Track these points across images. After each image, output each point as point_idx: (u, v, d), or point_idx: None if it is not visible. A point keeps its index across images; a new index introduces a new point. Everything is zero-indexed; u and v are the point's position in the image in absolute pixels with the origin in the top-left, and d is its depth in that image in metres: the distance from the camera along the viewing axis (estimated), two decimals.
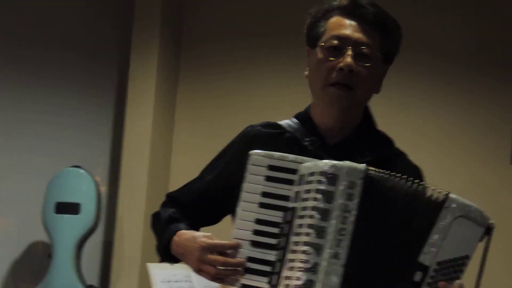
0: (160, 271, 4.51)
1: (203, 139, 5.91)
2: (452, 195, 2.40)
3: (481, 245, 2.36)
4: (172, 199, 2.91)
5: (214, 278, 2.51)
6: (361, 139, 2.80)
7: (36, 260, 5.90)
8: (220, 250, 2.50)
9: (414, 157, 2.89)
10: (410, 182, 2.45)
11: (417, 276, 2.41)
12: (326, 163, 2.42)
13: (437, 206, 2.41)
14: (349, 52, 2.65)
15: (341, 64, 2.65)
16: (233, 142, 2.88)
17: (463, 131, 5.72)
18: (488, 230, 2.43)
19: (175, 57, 6.15)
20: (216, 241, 2.52)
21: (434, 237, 2.41)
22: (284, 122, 2.83)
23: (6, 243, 5.92)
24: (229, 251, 2.51)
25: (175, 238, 2.67)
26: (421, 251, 2.41)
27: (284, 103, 5.35)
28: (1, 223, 5.95)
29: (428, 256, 2.40)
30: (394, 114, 5.44)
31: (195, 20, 6.15)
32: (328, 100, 2.71)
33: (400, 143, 2.92)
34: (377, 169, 2.47)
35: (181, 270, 4.37)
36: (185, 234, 2.65)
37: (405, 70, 5.52)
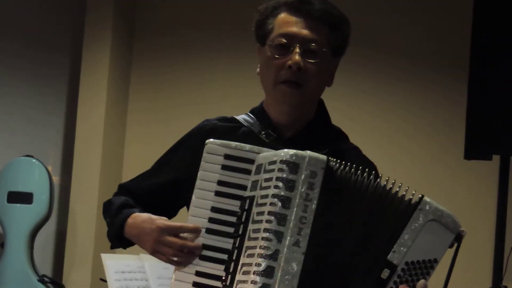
0: (113, 262, 4.44)
1: (156, 131, 5.92)
2: (426, 198, 2.40)
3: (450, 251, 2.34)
4: (124, 189, 2.91)
5: (171, 260, 2.51)
6: (315, 132, 2.80)
7: None
8: (179, 232, 2.50)
9: (367, 152, 2.88)
10: (374, 178, 2.45)
11: (385, 274, 2.39)
12: (287, 152, 2.42)
13: (411, 207, 2.40)
14: (297, 50, 2.66)
15: (290, 62, 2.66)
16: (189, 135, 2.87)
17: (417, 127, 5.77)
18: (458, 237, 2.41)
19: (127, 48, 6.15)
20: (175, 223, 2.52)
21: (405, 237, 2.40)
22: (241, 117, 2.84)
23: None
24: (187, 235, 2.51)
25: (130, 220, 2.66)
26: (391, 250, 2.40)
27: (238, 96, 5.35)
28: None
29: (397, 255, 2.39)
30: (348, 110, 5.43)
31: (148, 12, 6.15)
32: (280, 98, 2.72)
33: (353, 139, 2.91)
34: (338, 160, 2.47)
35: (134, 261, 4.36)
36: (141, 216, 2.64)
37: (359, 67, 5.56)
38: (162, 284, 4.32)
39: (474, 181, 5.45)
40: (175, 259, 2.52)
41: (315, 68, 2.68)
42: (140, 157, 5.88)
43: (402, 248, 2.38)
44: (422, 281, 2.37)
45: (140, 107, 6.10)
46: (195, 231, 2.50)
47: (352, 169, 2.46)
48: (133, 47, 6.16)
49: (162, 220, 2.54)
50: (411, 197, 2.40)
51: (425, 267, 2.42)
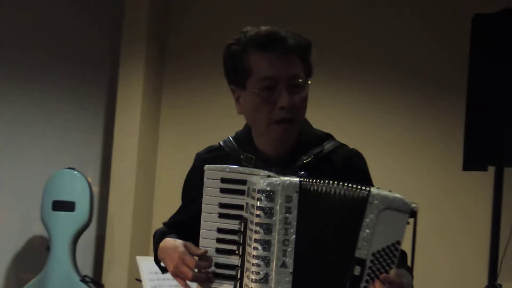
0: (147, 263, 4.54)
1: (186, 143, 5.89)
2: (373, 191, 2.45)
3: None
4: (165, 226, 2.95)
5: (186, 284, 2.58)
6: (297, 153, 2.78)
7: (35, 252, 5.94)
8: (192, 254, 2.56)
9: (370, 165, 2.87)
10: (340, 185, 2.47)
11: (357, 270, 2.46)
12: (263, 182, 2.46)
13: (362, 203, 2.45)
14: (283, 89, 2.64)
15: (281, 104, 2.63)
16: (189, 174, 2.90)
17: (416, 138, 5.64)
18: (413, 214, 2.45)
19: (159, 69, 6.14)
20: (190, 248, 2.57)
21: (365, 231, 2.45)
22: (225, 141, 2.83)
23: (8, 237, 5.93)
24: (198, 258, 2.56)
25: (161, 244, 2.73)
26: (356, 247, 2.45)
27: None
28: (3, 219, 5.95)
29: (363, 250, 2.44)
30: (350, 125, 5.44)
31: (179, 36, 6.14)
32: (277, 136, 2.71)
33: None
34: (310, 179, 2.48)
35: None
36: (168, 242, 2.70)
37: (360, 82, 5.56)
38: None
39: (470, 189, 5.27)
40: (194, 280, 2.57)
41: (301, 100, 2.67)
42: (171, 168, 5.98)
43: (364, 243, 2.44)
44: (392, 271, 2.43)
45: (171, 122, 6.13)
46: (204, 254, 2.54)
47: (322, 182, 2.47)
48: (164, 65, 6.15)
49: (181, 248, 2.60)
50: (360, 194, 2.44)
51: (390, 251, 2.47)
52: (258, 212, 2.46)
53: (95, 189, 6.02)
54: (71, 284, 5.60)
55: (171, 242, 2.69)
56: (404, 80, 5.64)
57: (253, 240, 2.48)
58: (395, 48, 5.57)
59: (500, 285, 4.59)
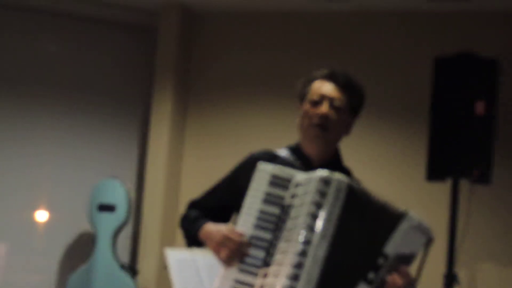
0: (173, 253, 4.37)
1: (204, 159, 5.89)
2: (411, 213, 2.51)
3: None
4: (195, 204, 2.94)
5: (224, 258, 2.54)
6: (334, 167, 2.72)
7: (83, 245, 5.97)
8: (232, 234, 2.53)
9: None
10: (377, 197, 2.53)
11: (380, 261, 2.49)
12: (322, 171, 2.48)
13: (400, 216, 2.51)
14: (326, 104, 2.75)
15: (320, 112, 2.75)
16: (240, 163, 2.89)
17: (390, 155, 5.60)
18: (430, 240, 2.52)
19: (185, 102, 6.05)
20: (231, 230, 2.56)
21: (395, 237, 2.50)
22: (279, 151, 2.87)
23: (62, 233, 6.00)
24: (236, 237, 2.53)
25: (205, 227, 2.72)
26: (385, 244, 2.49)
27: (272, 137, 5.04)
28: (59, 218, 6.04)
29: (390, 248, 2.49)
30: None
31: (202, 73, 6.05)
32: (312, 137, 2.78)
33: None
34: (355, 182, 2.54)
35: (189, 254, 4.46)
36: (211, 226, 2.71)
37: None
38: (209, 275, 4.48)
39: (432, 196, 5.23)
40: (228, 258, 2.54)
41: (337, 118, 2.76)
42: (193, 177, 5.95)
43: (393, 244, 2.49)
44: (405, 267, 2.48)
45: (194, 145, 6.05)
46: (241, 235, 2.52)
47: (365, 189, 2.54)
48: (189, 101, 6.06)
49: (225, 231, 2.58)
50: (401, 210, 2.51)
51: (407, 259, 2.51)
52: (314, 193, 2.47)
53: (132, 195, 5.99)
54: (112, 271, 5.63)
55: (213, 226, 2.70)
56: (380, 110, 5.53)
57: (302, 214, 2.47)
58: (371, 85, 5.44)
59: (456, 273, 4.66)
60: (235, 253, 2.55)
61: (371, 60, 5.59)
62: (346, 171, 2.88)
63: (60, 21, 5.95)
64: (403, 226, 2.55)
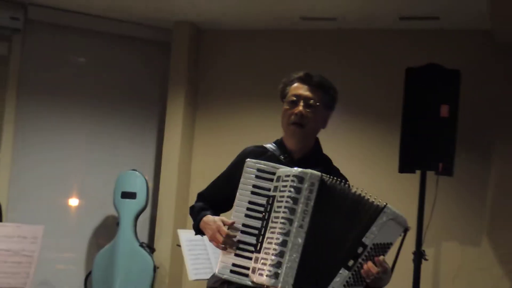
0: (185, 234, 4.52)
1: (211, 153, 5.83)
2: (389, 205, 2.46)
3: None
4: (202, 196, 2.92)
5: (220, 246, 2.54)
6: (313, 157, 2.78)
7: (109, 227, 5.95)
8: (224, 224, 2.53)
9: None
10: (353, 188, 2.48)
11: (359, 250, 2.44)
12: (297, 170, 2.46)
13: (378, 210, 2.45)
14: (301, 104, 2.70)
15: (296, 111, 2.70)
16: (236, 159, 2.86)
17: (367, 151, 5.50)
18: (406, 230, 2.48)
19: (194, 102, 6.00)
20: (223, 220, 2.56)
21: (373, 228, 2.44)
22: (268, 145, 2.83)
23: (90, 217, 5.99)
24: (228, 227, 2.53)
25: (204, 219, 2.71)
26: (364, 235, 2.44)
27: (266, 133, 5.19)
28: (88, 204, 6.00)
29: (368, 239, 2.44)
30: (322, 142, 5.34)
31: (208, 80, 6.00)
32: (291, 134, 2.74)
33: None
34: (328, 175, 2.48)
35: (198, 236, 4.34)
36: (209, 217, 2.68)
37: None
38: (215, 252, 4.34)
39: (404, 186, 5.15)
40: (223, 245, 2.52)
41: (312, 115, 2.71)
42: (201, 170, 5.91)
43: (371, 235, 2.44)
44: (381, 257, 2.43)
45: (202, 142, 5.98)
46: (233, 223, 2.51)
47: (337, 181, 2.48)
48: (197, 99, 6.02)
49: (219, 222, 2.56)
50: (379, 204, 2.45)
51: (384, 248, 2.47)
52: (290, 189, 2.44)
53: (150, 184, 5.99)
54: (133, 248, 5.61)
55: (210, 218, 2.68)
56: (361, 113, 5.55)
57: (282, 207, 2.45)
58: (354, 91, 5.48)
59: (423, 250, 4.63)
60: (226, 241, 2.53)
61: (353, 70, 5.56)
62: (325, 160, 2.84)
63: (89, 37, 5.95)
64: (381, 218, 2.49)
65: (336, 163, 2.88)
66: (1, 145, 5.60)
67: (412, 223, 4.68)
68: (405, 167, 4.65)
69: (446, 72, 4.58)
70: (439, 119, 4.53)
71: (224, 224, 2.56)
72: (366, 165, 5.43)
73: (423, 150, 4.59)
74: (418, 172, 4.68)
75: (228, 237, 2.52)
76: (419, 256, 4.57)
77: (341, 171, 2.85)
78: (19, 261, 2.41)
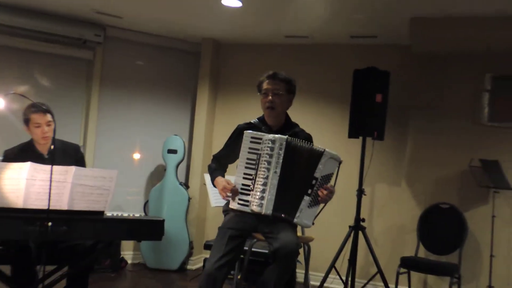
0: (208, 177, 4.08)
1: (227, 126, 5.60)
2: (327, 150, 2.49)
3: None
4: (215, 158, 2.86)
5: (227, 198, 2.54)
6: (285, 127, 2.74)
7: (159, 172, 5.82)
8: (227, 185, 2.51)
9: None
10: (308, 144, 2.49)
11: (313, 181, 2.48)
12: (272, 135, 2.47)
13: (321, 154, 2.51)
14: (270, 94, 2.66)
15: (268, 99, 2.67)
16: (235, 130, 2.81)
17: (326, 122, 5.34)
18: (339, 163, 2.50)
19: (215, 94, 5.86)
20: (230, 183, 2.53)
21: (320, 166, 2.51)
22: (254, 121, 2.76)
23: (147, 165, 5.82)
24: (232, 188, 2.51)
25: (216, 179, 2.68)
26: (315, 171, 2.49)
27: (261, 112, 5.26)
28: (146, 157, 5.82)
29: (318, 173, 2.50)
30: (302, 119, 5.14)
31: (225, 78, 5.83)
32: (267, 114, 2.73)
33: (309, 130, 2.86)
34: (292, 138, 2.49)
35: None
36: (218, 180, 2.65)
37: (301, 100, 5.26)
38: None
39: (352, 148, 5.03)
40: (228, 197, 2.52)
41: (279, 101, 2.68)
42: (220, 136, 5.79)
43: (319, 170, 2.47)
44: (329, 184, 2.50)
45: (220, 117, 5.89)
46: (234, 187, 2.47)
47: (299, 140, 2.48)
48: (218, 92, 5.89)
49: (225, 183, 2.53)
50: (320, 149, 2.47)
51: (328, 177, 2.48)
52: (267, 149, 2.44)
53: (186, 144, 5.90)
54: (175, 186, 5.52)
55: (219, 180, 2.64)
56: (325, 99, 5.37)
57: (263, 162, 2.43)
58: (321, 84, 5.39)
59: (363, 189, 4.49)
60: (230, 196, 2.52)
61: (320, 70, 5.43)
62: (293, 126, 2.75)
63: (146, 48, 5.85)
64: (324, 158, 2.51)
65: (304, 129, 2.83)
66: (89, 122, 5.50)
67: (356, 171, 4.71)
68: (352, 134, 4.52)
69: (380, 72, 4.44)
70: (375, 103, 4.41)
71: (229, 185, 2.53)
72: (326, 132, 5.31)
73: (364, 123, 4.45)
74: (360, 138, 4.55)
75: (231, 192, 2.50)
76: (360, 192, 4.48)
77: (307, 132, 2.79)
78: (101, 193, 2.47)
